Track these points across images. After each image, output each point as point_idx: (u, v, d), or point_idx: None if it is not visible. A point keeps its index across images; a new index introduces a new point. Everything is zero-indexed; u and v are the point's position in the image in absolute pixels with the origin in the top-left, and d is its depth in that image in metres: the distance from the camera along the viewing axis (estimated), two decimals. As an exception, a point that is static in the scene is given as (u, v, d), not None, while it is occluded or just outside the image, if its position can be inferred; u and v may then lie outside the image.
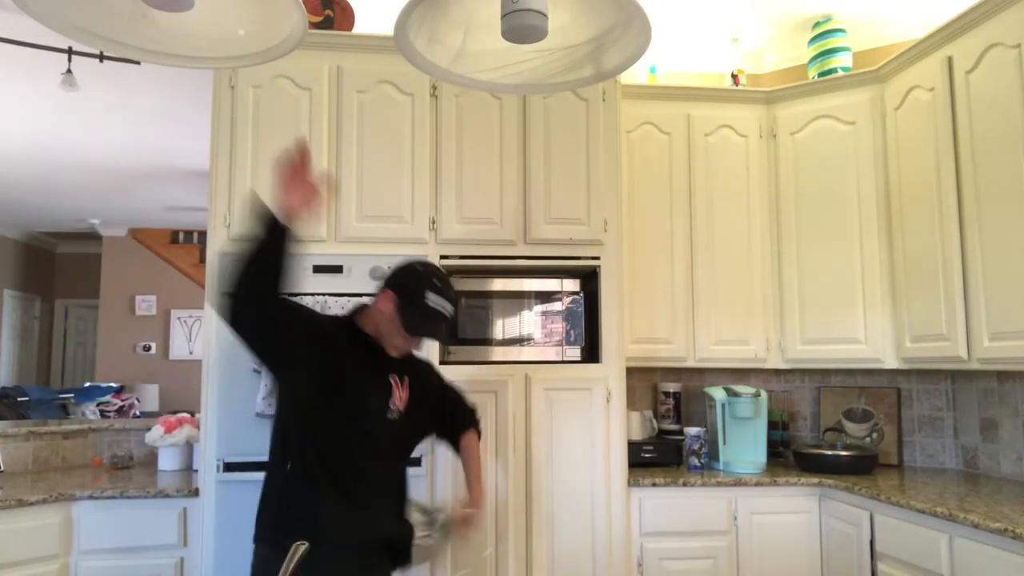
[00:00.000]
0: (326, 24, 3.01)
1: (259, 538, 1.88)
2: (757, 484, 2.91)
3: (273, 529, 1.85)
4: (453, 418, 2.20)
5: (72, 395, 7.11)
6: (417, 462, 2.70)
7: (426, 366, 2.19)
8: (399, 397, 1.98)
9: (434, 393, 2.16)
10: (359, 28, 3.19)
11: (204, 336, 2.70)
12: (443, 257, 2.82)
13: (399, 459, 2.07)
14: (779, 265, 3.33)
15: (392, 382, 1.97)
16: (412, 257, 2.10)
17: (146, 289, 8.68)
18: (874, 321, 3.10)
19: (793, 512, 2.92)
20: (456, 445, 2.20)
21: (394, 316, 1.90)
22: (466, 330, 2.87)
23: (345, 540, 1.86)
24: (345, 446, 1.88)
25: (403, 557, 1.97)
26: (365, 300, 2.09)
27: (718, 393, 3.15)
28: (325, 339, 1.90)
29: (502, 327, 2.91)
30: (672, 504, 2.89)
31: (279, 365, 1.88)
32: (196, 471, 2.93)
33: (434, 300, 1.88)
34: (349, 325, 1.98)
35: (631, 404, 3.29)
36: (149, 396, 8.09)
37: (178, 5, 1.09)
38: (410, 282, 1.91)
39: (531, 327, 2.92)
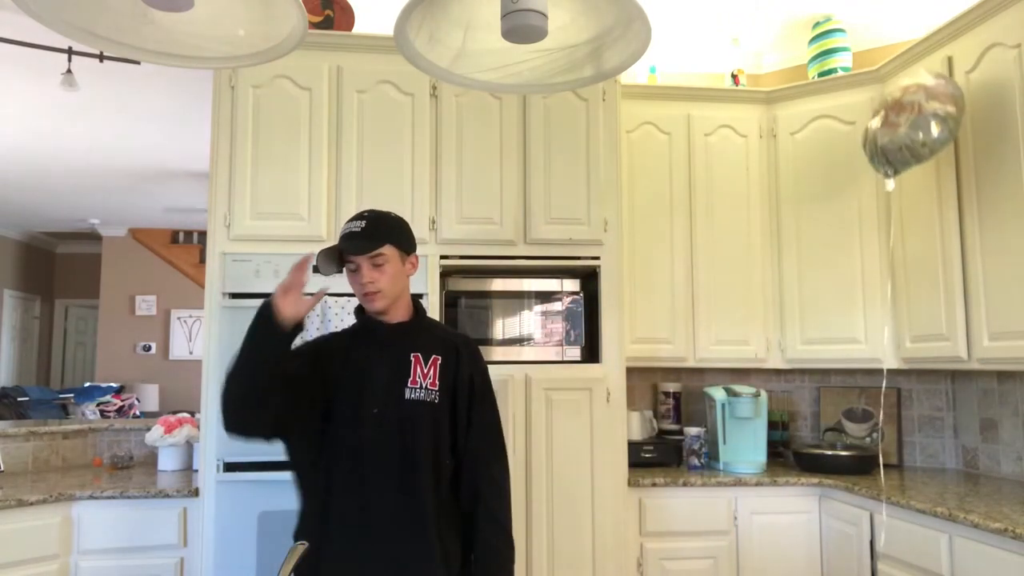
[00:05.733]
0: (326, 24, 3.01)
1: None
2: (757, 484, 2.91)
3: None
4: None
5: (72, 395, 7.12)
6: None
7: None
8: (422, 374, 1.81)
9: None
10: (359, 28, 3.20)
11: (204, 336, 2.70)
12: (443, 257, 2.82)
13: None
14: (779, 265, 3.33)
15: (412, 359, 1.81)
16: None
17: (146, 289, 8.68)
18: (874, 321, 3.10)
19: (793, 512, 2.92)
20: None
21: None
22: (466, 330, 2.87)
23: None
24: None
25: None
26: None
27: (718, 393, 3.15)
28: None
29: (502, 327, 2.91)
30: (672, 504, 2.88)
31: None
32: (196, 471, 2.93)
33: (343, 228, 1.80)
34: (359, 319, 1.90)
35: (631, 404, 3.28)
36: (149, 396, 8.10)
37: (178, 5, 1.09)
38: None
39: (531, 327, 2.92)
